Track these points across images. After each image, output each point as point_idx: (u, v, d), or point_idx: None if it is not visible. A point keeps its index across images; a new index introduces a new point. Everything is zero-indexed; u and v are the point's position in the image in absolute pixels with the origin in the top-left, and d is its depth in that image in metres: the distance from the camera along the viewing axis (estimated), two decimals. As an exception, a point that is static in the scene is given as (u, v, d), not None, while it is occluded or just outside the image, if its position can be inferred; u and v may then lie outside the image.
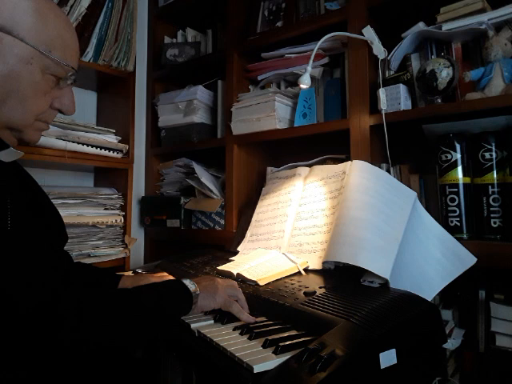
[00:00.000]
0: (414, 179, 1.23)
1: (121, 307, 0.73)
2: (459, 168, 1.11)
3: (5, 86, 0.74)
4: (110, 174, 1.81)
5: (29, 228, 0.75)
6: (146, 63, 2.04)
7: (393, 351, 0.66)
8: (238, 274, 1.08)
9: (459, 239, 1.03)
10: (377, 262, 0.90)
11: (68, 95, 0.84)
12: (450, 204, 1.11)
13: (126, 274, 1.23)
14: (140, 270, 1.35)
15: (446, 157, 1.12)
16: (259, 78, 1.63)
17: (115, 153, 1.68)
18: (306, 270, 1.06)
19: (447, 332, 1.10)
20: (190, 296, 0.82)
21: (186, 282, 0.85)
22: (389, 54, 1.29)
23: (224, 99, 1.73)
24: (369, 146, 1.26)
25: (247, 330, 0.77)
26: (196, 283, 0.85)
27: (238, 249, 1.36)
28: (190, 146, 1.79)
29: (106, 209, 1.69)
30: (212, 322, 0.85)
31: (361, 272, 0.93)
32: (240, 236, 1.41)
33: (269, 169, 1.64)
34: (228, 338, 0.76)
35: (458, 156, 1.11)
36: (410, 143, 1.31)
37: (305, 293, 0.89)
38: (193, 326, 0.83)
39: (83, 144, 1.56)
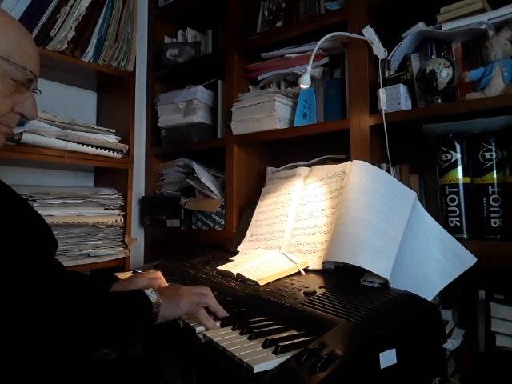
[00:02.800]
0: (413, 179, 1.23)
1: (82, 314, 0.75)
2: (459, 168, 1.11)
3: None
4: (110, 174, 1.81)
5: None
6: (146, 63, 2.04)
7: (393, 351, 0.66)
8: (237, 273, 1.08)
9: (459, 239, 1.03)
10: (377, 261, 0.90)
11: (29, 100, 0.87)
12: (450, 204, 1.11)
13: (121, 275, 1.23)
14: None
15: (446, 157, 1.12)
16: (259, 77, 1.63)
17: (115, 153, 1.68)
18: (305, 270, 1.06)
19: (447, 332, 1.10)
20: (150, 307, 0.82)
21: (148, 292, 0.84)
22: (389, 53, 1.29)
23: (224, 99, 1.73)
24: (369, 146, 1.26)
25: (247, 330, 0.77)
26: (159, 293, 0.85)
27: (238, 249, 1.36)
28: (190, 146, 1.79)
29: (106, 209, 1.69)
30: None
31: (361, 272, 0.93)
32: (240, 236, 1.41)
33: (269, 169, 1.64)
34: (228, 338, 0.76)
35: (458, 156, 1.11)
36: (410, 143, 1.31)
37: (305, 293, 0.89)
38: (192, 325, 0.83)
39: (83, 144, 1.56)
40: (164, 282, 1.09)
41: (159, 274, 1.12)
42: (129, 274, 1.34)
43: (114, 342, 0.82)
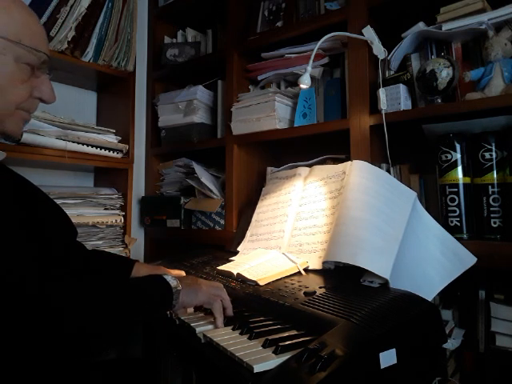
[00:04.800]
0: (413, 179, 1.23)
1: (98, 297, 0.73)
2: (459, 168, 1.11)
3: None
4: (110, 174, 1.81)
5: (9, 225, 0.74)
6: (146, 63, 2.04)
7: (393, 351, 0.66)
8: (238, 273, 1.08)
9: (459, 239, 1.03)
10: (377, 261, 0.91)
11: (46, 84, 0.86)
12: (450, 204, 1.11)
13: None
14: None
15: (446, 157, 1.12)
16: (259, 78, 1.63)
17: (115, 153, 1.68)
18: (306, 270, 1.06)
19: (447, 332, 1.10)
20: (170, 291, 0.82)
21: (168, 277, 0.84)
22: (389, 53, 1.29)
23: (224, 99, 1.73)
24: (369, 146, 1.26)
25: (247, 330, 0.77)
26: (178, 280, 0.85)
27: (238, 249, 1.36)
28: (189, 146, 1.79)
29: (106, 209, 1.69)
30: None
31: (361, 272, 0.93)
32: (240, 236, 1.41)
33: (269, 169, 1.64)
34: (228, 337, 0.76)
35: (458, 156, 1.11)
36: (410, 143, 1.31)
37: (305, 293, 0.89)
38: (192, 325, 0.83)
39: (83, 144, 1.56)
40: None
41: (183, 273, 1.14)
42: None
43: (132, 326, 0.81)
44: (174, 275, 0.96)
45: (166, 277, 0.84)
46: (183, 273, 1.16)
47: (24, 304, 0.66)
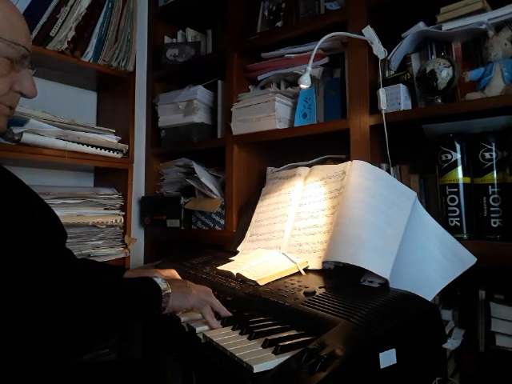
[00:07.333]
0: (414, 179, 1.23)
1: (88, 299, 0.73)
2: (459, 168, 1.11)
3: None
4: (110, 174, 1.81)
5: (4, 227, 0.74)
6: (146, 63, 2.04)
7: (393, 351, 0.66)
8: (237, 273, 1.08)
9: (459, 239, 1.03)
10: (377, 261, 0.91)
11: (27, 78, 0.86)
12: (450, 204, 1.11)
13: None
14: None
15: (446, 157, 1.12)
16: (259, 78, 1.63)
17: (115, 153, 1.68)
18: (305, 270, 1.06)
19: (447, 332, 1.10)
20: (160, 294, 0.81)
21: (158, 280, 0.84)
22: (389, 54, 1.29)
23: (224, 99, 1.73)
24: (369, 146, 1.26)
25: (247, 330, 0.77)
26: (169, 283, 0.84)
27: (238, 249, 1.36)
28: (189, 146, 1.79)
29: (106, 209, 1.69)
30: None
31: (361, 272, 0.93)
32: (240, 236, 1.41)
33: (269, 169, 1.64)
34: (228, 338, 0.76)
35: (458, 156, 1.11)
36: (410, 143, 1.31)
37: (305, 293, 0.89)
38: (192, 324, 0.83)
39: (83, 144, 1.56)
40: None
41: (174, 272, 1.13)
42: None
43: (122, 329, 0.81)
44: (164, 276, 0.95)
45: (156, 279, 0.84)
46: (174, 271, 1.15)
47: (18, 307, 0.65)
